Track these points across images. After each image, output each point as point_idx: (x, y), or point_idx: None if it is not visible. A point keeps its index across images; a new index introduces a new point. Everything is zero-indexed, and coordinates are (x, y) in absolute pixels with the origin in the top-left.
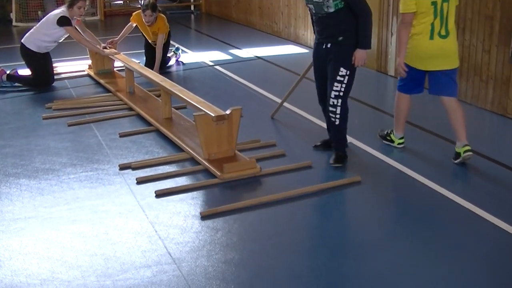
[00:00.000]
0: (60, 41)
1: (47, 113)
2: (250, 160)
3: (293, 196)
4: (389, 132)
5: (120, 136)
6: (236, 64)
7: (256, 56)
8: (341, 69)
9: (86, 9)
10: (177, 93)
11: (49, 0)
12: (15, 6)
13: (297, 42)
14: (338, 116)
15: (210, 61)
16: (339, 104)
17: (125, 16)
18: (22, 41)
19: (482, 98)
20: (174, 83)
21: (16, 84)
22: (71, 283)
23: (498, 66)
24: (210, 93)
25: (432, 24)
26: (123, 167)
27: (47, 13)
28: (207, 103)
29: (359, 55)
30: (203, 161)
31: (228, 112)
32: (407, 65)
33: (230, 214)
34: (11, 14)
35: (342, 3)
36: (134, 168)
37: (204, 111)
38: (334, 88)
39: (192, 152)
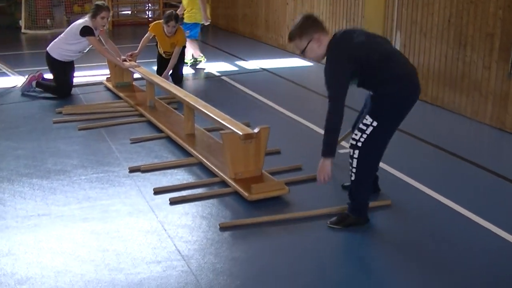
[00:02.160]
0: (85, 51)
1: (57, 118)
2: (279, 181)
3: (314, 215)
4: (196, 60)
5: (131, 142)
6: (241, 75)
7: (262, 68)
8: (367, 117)
9: (109, 19)
10: (201, 108)
11: (57, 8)
12: (24, 14)
13: None
14: (353, 170)
15: (217, 71)
16: (355, 156)
17: (133, 26)
18: (47, 49)
19: (482, 113)
20: (197, 98)
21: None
22: (84, 276)
23: (497, 81)
24: (215, 101)
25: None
26: (132, 170)
27: (63, 22)
28: (234, 120)
29: (320, 165)
30: (229, 180)
31: (256, 130)
32: (195, 24)
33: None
34: (20, 21)
35: (357, 78)
36: (143, 171)
37: (231, 129)
38: (352, 136)
39: (219, 171)
